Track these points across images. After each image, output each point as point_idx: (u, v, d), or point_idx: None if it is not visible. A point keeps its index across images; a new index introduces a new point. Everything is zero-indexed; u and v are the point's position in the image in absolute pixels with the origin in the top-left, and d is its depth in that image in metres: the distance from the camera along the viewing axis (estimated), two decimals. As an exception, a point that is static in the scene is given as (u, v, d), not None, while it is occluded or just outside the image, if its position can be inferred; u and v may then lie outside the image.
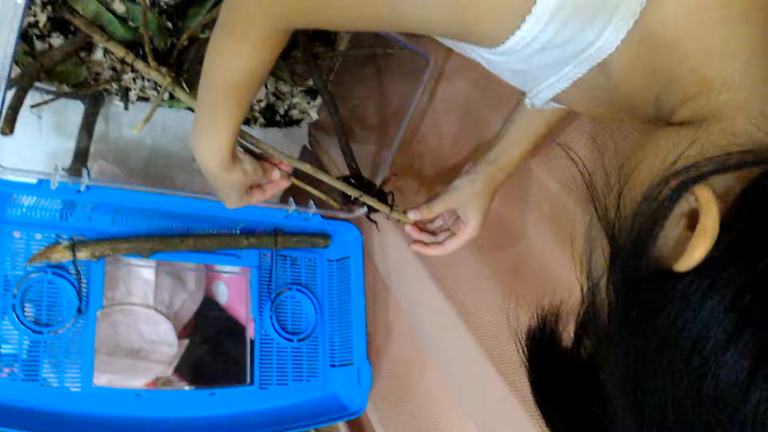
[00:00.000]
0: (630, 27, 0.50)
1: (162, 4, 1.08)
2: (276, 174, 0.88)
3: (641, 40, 0.50)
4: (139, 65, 1.00)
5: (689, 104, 0.50)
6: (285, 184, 0.90)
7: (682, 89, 0.51)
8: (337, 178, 1.01)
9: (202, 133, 0.75)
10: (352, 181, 1.04)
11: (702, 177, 0.43)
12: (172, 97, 1.15)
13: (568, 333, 0.53)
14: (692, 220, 0.43)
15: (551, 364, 0.53)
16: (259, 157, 0.88)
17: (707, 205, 0.42)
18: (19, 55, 1.00)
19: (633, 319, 0.44)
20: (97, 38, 1.01)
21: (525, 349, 0.55)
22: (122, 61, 1.04)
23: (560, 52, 0.54)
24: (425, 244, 1.01)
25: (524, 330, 0.55)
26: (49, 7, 1.02)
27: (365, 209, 1.18)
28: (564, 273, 0.96)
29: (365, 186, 1.04)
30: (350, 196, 1.03)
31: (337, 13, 0.63)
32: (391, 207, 1.02)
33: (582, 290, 0.50)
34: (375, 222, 1.09)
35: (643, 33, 0.50)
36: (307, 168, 0.97)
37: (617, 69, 0.54)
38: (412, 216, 0.99)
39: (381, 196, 1.04)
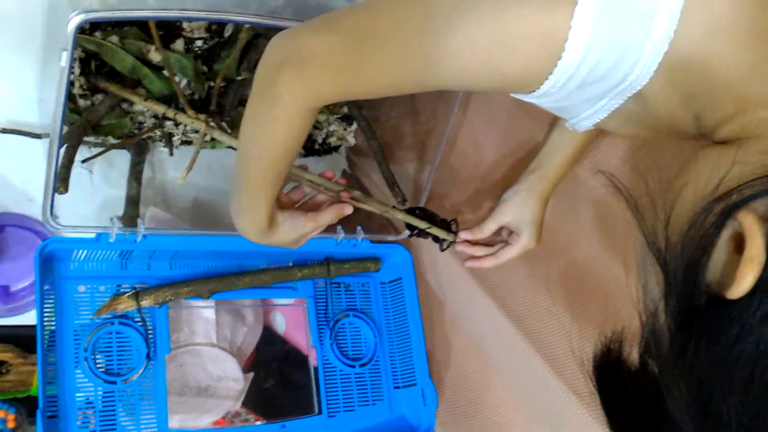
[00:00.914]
0: (660, 59, 0.50)
1: (195, 49, 1.10)
2: (328, 217, 0.89)
3: (673, 68, 0.51)
4: (181, 118, 1.02)
5: (729, 123, 0.51)
6: (348, 210, 0.91)
7: (719, 109, 0.52)
8: (402, 210, 1.06)
9: (241, 210, 0.78)
10: (417, 212, 1.07)
11: (744, 202, 0.43)
12: (213, 138, 1.17)
13: (632, 358, 0.53)
14: (739, 242, 0.44)
15: (620, 390, 0.53)
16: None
17: (751, 232, 0.42)
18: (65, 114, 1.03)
19: (693, 347, 0.44)
20: (135, 98, 1.04)
21: (593, 376, 0.55)
22: (164, 117, 1.07)
23: (594, 89, 0.55)
24: (478, 257, 1.02)
25: (589, 357, 0.56)
26: (83, 78, 1.04)
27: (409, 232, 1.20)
28: (618, 278, 0.96)
29: (429, 217, 1.07)
30: (415, 227, 1.07)
31: (372, 89, 0.64)
32: (456, 233, 1.06)
33: (641, 318, 0.51)
34: (443, 248, 1.11)
35: (674, 61, 0.50)
36: (373, 207, 1.00)
37: (653, 97, 0.55)
38: (464, 236, 1.01)
39: (444, 224, 1.07)
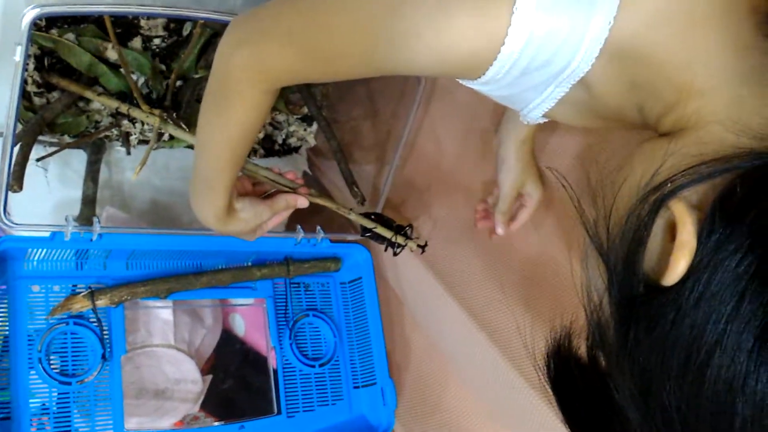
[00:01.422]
0: (602, 45, 0.51)
1: (153, 47, 1.09)
2: (281, 202, 0.90)
3: (615, 56, 0.52)
4: (135, 113, 1.02)
5: (670, 114, 0.52)
6: (303, 202, 0.92)
7: (661, 99, 0.52)
8: (360, 214, 1.07)
9: (200, 196, 0.78)
10: (372, 217, 1.10)
11: (675, 191, 0.45)
12: (172, 137, 1.16)
13: (582, 351, 0.54)
14: (673, 231, 0.45)
15: (571, 384, 0.54)
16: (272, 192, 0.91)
17: (682, 219, 0.44)
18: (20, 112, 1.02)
19: (633, 336, 0.45)
20: (89, 94, 1.03)
21: (544, 371, 0.56)
22: (118, 112, 1.06)
23: (540, 75, 0.55)
24: (503, 227, 1.02)
25: (540, 353, 0.56)
26: (37, 73, 1.03)
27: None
28: (574, 273, 0.97)
29: (384, 222, 1.10)
30: (369, 230, 1.10)
31: (326, 72, 0.65)
32: (410, 238, 1.10)
33: (585, 311, 0.52)
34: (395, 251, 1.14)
35: (615, 49, 0.51)
36: (329, 203, 1.01)
37: (597, 85, 0.55)
38: (500, 231, 1.01)
39: (400, 229, 1.11)
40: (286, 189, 0.92)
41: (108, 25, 0.97)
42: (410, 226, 1.11)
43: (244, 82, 0.65)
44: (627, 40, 0.51)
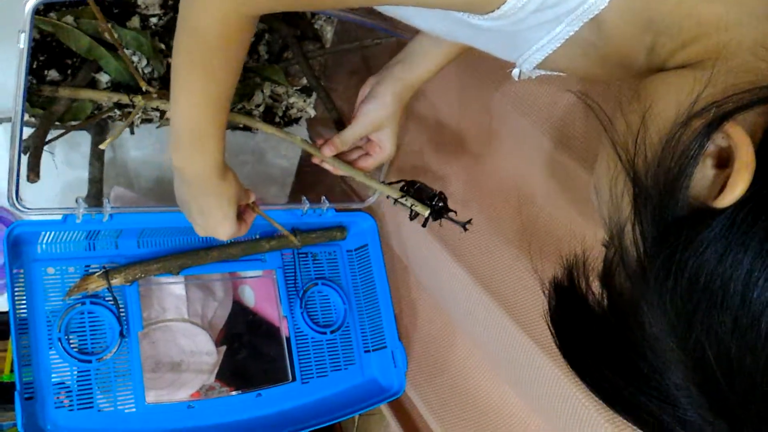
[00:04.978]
0: None
1: (152, 25, 1.10)
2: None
3: None
4: (138, 99, 1.02)
5: (689, 48, 0.51)
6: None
7: (677, 35, 0.51)
8: (388, 184, 1.04)
9: (190, 146, 0.75)
10: (404, 187, 1.05)
11: (728, 115, 0.43)
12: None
13: (592, 288, 0.52)
14: (719, 158, 0.44)
15: (579, 317, 0.52)
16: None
17: (742, 140, 0.42)
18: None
19: (676, 263, 0.43)
20: (84, 94, 1.02)
21: (551, 301, 0.54)
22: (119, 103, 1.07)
23: (553, 13, 0.54)
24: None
25: (549, 283, 0.55)
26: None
27: (374, 198, 1.22)
28: (575, 226, 0.98)
29: (417, 190, 1.04)
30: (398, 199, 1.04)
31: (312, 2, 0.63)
32: (439, 206, 1.02)
33: (607, 239, 0.51)
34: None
35: None
36: (361, 177, 1.02)
37: (610, 22, 0.54)
38: (328, 152, 0.98)
39: (431, 198, 1.03)
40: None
41: (93, 5, 0.96)
42: (441, 193, 1.02)
43: (216, 4, 0.61)
44: None
